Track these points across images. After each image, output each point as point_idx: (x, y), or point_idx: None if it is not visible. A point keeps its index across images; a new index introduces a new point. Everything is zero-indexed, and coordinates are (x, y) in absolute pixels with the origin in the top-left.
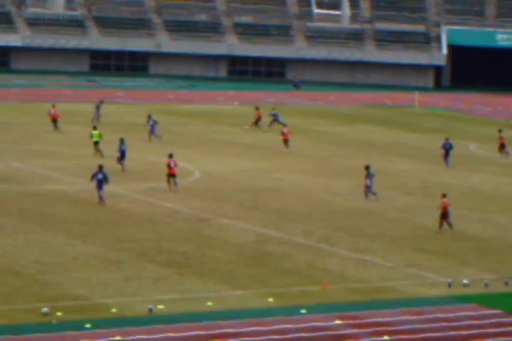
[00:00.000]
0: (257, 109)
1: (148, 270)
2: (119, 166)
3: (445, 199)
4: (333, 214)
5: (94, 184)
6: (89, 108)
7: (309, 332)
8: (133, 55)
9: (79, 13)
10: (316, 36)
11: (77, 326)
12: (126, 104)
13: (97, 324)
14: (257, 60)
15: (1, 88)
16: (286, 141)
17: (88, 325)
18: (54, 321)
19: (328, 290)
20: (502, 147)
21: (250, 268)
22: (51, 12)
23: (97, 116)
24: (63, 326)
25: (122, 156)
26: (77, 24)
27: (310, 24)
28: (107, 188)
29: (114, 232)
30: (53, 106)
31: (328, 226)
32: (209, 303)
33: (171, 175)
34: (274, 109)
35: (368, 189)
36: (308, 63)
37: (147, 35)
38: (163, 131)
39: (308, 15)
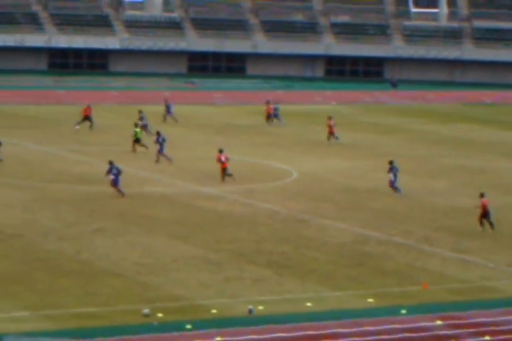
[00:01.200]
0: (268, 103)
1: (247, 271)
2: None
3: (484, 199)
4: (433, 214)
5: (110, 179)
6: (188, 109)
7: (410, 332)
8: (230, 56)
9: (176, 15)
10: (414, 35)
11: (178, 327)
12: (223, 105)
13: (198, 325)
14: (355, 60)
15: (99, 90)
16: (332, 134)
17: (189, 326)
18: (155, 322)
19: (428, 290)
20: None
21: (349, 268)
22: (148, 14)
23: (169, 115)
24: (164, 327)
25: (161, 148)
26: (174, 26)
27: (407, 23)
28: (206, 190)
29: (214, 233)
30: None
31: (427, 225)
32: (308, 304)
33: (223, 169)
34: (274, 103)
35: (391, 184)
36: (406, 62)
37: (244, 36)
38: (261, 133)
39: (405, 13)
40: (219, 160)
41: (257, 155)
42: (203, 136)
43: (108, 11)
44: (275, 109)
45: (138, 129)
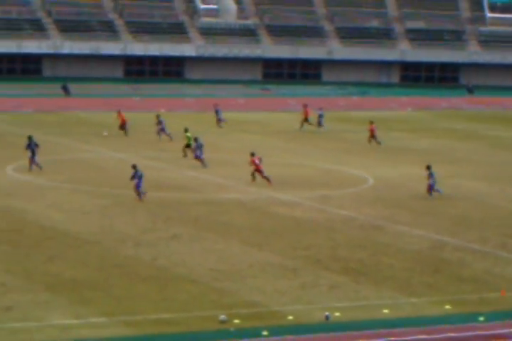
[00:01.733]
0: (305, 106)
1: (323, 277)
2: (277, 173)
3: None
4: (510, 220)
5: (134, 183)
6: (262, 116)
7: (488, 339)
8: (305, 63)
9: (251, 22)
10: (490, 40)
11: (255, 333)
12: (298, 111)
13: (274, 331)
14: (430, 66)
15: (175, 97)
16: (373, 137)
17: (265, 333)
18: (231, 328)
19: (506, 297)
20: None
21: (426, 275)
22: (223, 21)
23: (218, 119)
24: (241, 333)
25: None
26: (249, 33)
27: (483, 28)
28: (281, 196)
29: (290, 240)
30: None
31: (505, 232)
32: (385, 311)
33: (259, 171)
34: (321, 109)
35: (431, 187)
36: (482, 67)
37: (319, 42)
38: (336, 139)
39: (481, 19)
40: (253, 162)
41: (333, 162)
42: (278, 142)
43: (183, 18)
44: (320, 116)
45: (189, 134)
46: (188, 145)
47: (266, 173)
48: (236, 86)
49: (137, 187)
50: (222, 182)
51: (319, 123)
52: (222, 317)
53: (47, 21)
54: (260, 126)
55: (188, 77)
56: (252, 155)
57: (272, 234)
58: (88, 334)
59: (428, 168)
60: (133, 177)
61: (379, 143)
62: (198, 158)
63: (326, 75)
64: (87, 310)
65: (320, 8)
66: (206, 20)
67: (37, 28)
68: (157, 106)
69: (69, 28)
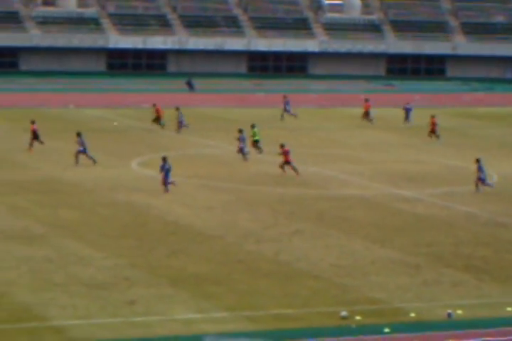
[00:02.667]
0: (366, 101)
1: (446, 274)
2: (400, 169)
3: None
4: None
5: (161, 175)
6: (386, 112)
7: None
8: (429, 58)
9: (375, 17)
10: None
11: (376, 330)
12: (422, 107)
13: (396, 328)
14: None
15: (299, 93)
16: (433, 132)
17: (387, 330)
18: (353, 325)
19: None
20: None
21: None
22: (348, 17)
23: (286, 113)
24: (362, 330)
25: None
26: (373, 28)
27: None
28: (404, 192)
29: (412, 236)
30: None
31: None
32: (509, 309)
33: (288, 162)
34: (408, 103)
35: (481, 181)
36: None
37: (444, 37)
38: (461, 135)
39: None
40: (284, 153)
41: (457, 158)
42: (401, 138)
43: (307, 13)
44: (407, 110)
45: (256, 130)
46: (256, 141)
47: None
48: (359, 81)
49: (165, 180)
50: (344, 177)
51: (406, 118)
52: (344, 313)
53: (172, 17)
54: (383, 122)
55: (312, 73)
56: (282, 146)
57: (394, 230)
58: (210, 329)
59: (478, 161)
60: (162, 170)
61: (437, 137)
62: (241, 151)
63: (451, 71)
64: (210, 304)
65: (445, 3)
66: (330, 15)
67: (162, 23)
68: (281, 102)
69: (194, 23)
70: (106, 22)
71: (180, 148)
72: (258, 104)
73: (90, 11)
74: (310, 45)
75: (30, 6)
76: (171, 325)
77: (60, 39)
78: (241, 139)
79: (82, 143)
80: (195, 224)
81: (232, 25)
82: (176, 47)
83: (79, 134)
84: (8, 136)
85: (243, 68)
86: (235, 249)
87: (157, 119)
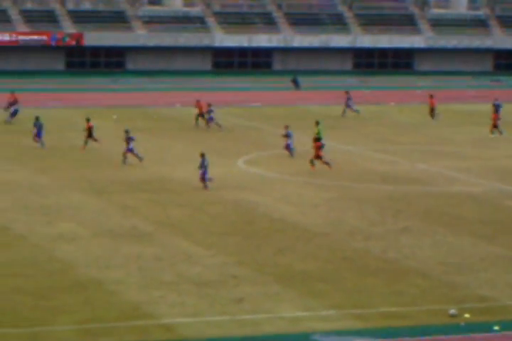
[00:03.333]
0: (431, 97)
1: None
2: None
3: None
4: None
5: (199, 173)
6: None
7: None
8: None
9: (482, 12)
10: None
11: (485, 328)
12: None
13: (506, 326)
14: None
15: (404, 90)
16: (495, 127)
17: (496, 327)
18: (461, 323)
19: None
20: None
21: None
22: (454, 12)
23: (349, 109)
24: (471, 328)
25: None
26: (480, 24)
27: None
28: (509, 188)
29: None
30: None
31: None
32: None
33: (319, 157)
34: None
35: None
36: None
37: None
38: None
39: None
40: (317, 147)
41: None
42: (508, 134)
43: (413, 10)
44: (497, 106)
45: (320, 127)
46: (317, 139)
47: (326, 159)
48: (466, 77)
49: (203, 176)
50: (452, 174)
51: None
52: (452, 311)
53: (277, 15)
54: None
55: (418, 69)
56: (317, 140)
57: (502, 227)
58: (318, 327)
59: None
60: (200, 166)
61: (500, 132)
62: (288, 147)
63: None
64: (317, 302)
65: None
66: (436, 11)
67: (267, 21)
68: (386, 99)
69: (299, 21)
70: (211, 21)
71: None
72: (363, 101)
73: (196, 10)
74: (416, 41)
75: (136, 5)
76: (278, 323)
77: (166, 38)
78: (288, 135)
79: (128, 141)
80: (301, 222)
81: (338, 22)
82: (281, 45)
83: (127, 131)
84: (116, 136)
85: (348, 65)
86: (342, 246)
87: (200, 115)
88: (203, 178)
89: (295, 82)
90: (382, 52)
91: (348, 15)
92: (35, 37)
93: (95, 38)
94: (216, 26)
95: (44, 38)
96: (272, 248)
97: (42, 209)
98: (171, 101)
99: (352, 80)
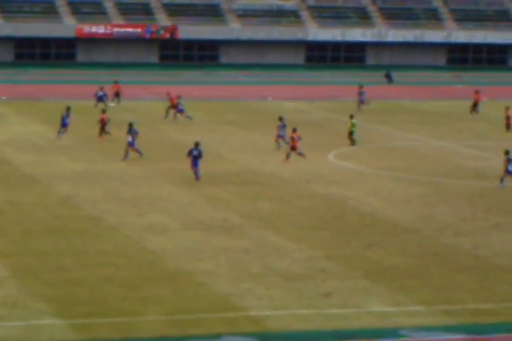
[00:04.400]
0: (477, 92)
1: None
2: None
3: None
4: None
5: (189, 161)
6: None
7: None
8: None
9: None
10: None
11: None
12: None
13: None
14: None
15: (499, 86)
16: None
17: None
18: None
19: None
20: None
21: None
22: None
23: (361, 101)
24: None
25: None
26: None
27: None
28: None
29: None
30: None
31: None
32: None
33: (293, 148)
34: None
35: (508, 174)
36: None
37: None
38: None
39: None
40: (292, 139)
41: None
42: None
43: (509, 5)
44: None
45: (354, 121)
46: (351, 133)
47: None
48: None
49: (193, 165)
50: None
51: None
52: None
53: (372, 9)
54: None
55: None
56: (294, 131)
57: None
58: (406, 322)
59: (507, 153)
60: (188, 154)
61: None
62: (281, 137)
63: None
64: (406, 298)
65: None
66: None
67: (362, 16)
68: (479, 95)
69: (393, 16)
70: (305, 14)
71: (377, 141)
72: (455, 96)
73: (290, 4)
74: (510, 37)
75: None
76: (366, 318)
77: (260, 32)
78: (280, 127)
79: (132, 135)
80: (391, 217)
81: (432, 17)
82: (375, 39)
83: (131, 124)
84: (208, 129)
85: (442, 60)
86: (432, 242)
87: (171, 107)
88: (192, 165)
89: (388, 77)
90: (477, 47)
91: (442, 10)
92: (130, 29)
93: (189, 31)
94: (310, 20)
95: (138, 30)
96: (360, 242)
97: (133, 200)
98: (263, 95)
99: (445, 76)
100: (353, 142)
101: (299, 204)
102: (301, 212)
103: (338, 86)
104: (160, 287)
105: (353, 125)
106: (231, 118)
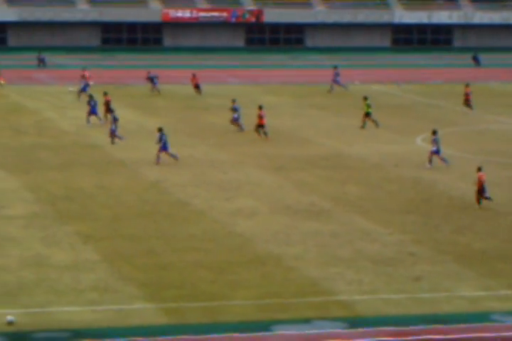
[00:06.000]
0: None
1: None
2: None
3: (481, 173)
4: None
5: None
6: None
7: None
8: None
9: None
10: None
11: None
12: None
13: None
14: None
15: None
16: (467, 102)
17: None
18: None
19: None
20: None
21: None
22: None
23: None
24: None
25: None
26: None
27: None
28: None
29: None
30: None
31: None
32: None
33: (260, 126)
34: None
35: (435, 154)
36: None
37: None
38: None
39: None
40: (259, 116)
41: None
42: None
43: None
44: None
45: (369, 102)
46: (367, 114)
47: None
48: None
49: (162, 149)
50: None
51: None
52: None
53: None
54: None
55: None
56: (260, 108)
57: None
58: (497, 307)
59: (434, 132)
60: (159, 141)
61: (470, 107)
62: (235, 121)
63: None
64: (496, 282)
65: None
66: None
67: None
68: None
69: None
70: None
71: (467, 124)
72: None
73: None
74: None
75: None
76: (457, 302)
77: (346, 15)
78: (234, 109)
79: (113, 123)
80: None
81: None
82: (462, 21)
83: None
84: (295, 113)
85: None
86: None
87: (196, 87)
88: (162, 150)
89: (476, 59)
90: None
91: None
92: (216, 13)
93: (275, 14)
94: (396, 3)
95: (224, 14)
96: (450, 226)
97: (221, 184)
98: (349, 79)
99: None
100: (376, 123)
101: (387, 188)
102: (390, 196)
103: (425, 69)
104: (248, 271)
105: (368, 106)
106: (318, 102)
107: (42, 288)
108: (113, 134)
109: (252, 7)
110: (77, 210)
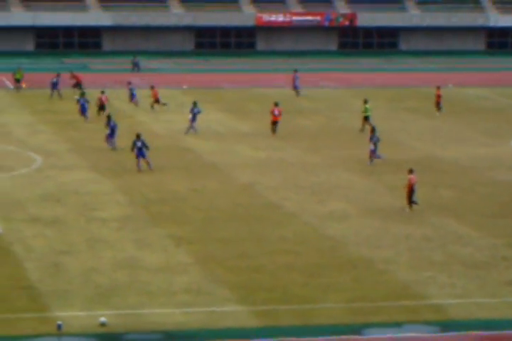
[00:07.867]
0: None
1: None
2: None
3: (411, 176)
4: None
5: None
6: None
7: None
8: None
9: None
10: None
11: None
12: None
13: None
14: None
15: None
16: (437, 104)
17: None
18: None
19: None
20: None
21: None
22: None
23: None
24: None
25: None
26: None
27: None
28: None
29: None
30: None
31: None
32: None
33: (275, 122)
34: None
35: (372, 153)
36: None
37: None
38: None
39: None
40: (272, 112)
41: None
42: None
43: None
44: None
45: (368, 106)
46: (366, 118)
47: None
48: None
49: (139, 156)
50: None
51: None
52: None
53: None
54: None
55: None
56: (276, 105)
57: None
58: None
59: (373, 130)
60: (133, 147)
61: (440, 108)
62: (191, 121)
63: None
64: None
65: None
66: None
67: None
68: None
69: None
70: (486, 0)
71: None
72: None
73: None
74: None
75: None
76: None
77: (440, 18)
78: (191, 111)
79: (109, 127)
80: None
81: None
82: None
83: (108, 117)
84: (388, 116)
85: None
86: None
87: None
88: (139, 156)
89: None
90: None
91: None
92: (309, 17)
93: (368, 18)
94: (491, 6)
95: (318, 18)
96: None
97: (312, 187)
98: (443, 82)
99: None
100: (363, 128)
101: (480, 191)
102: (483, 199)
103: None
104: (340, 274)
105: (366, 110)
106: (411, 105)
107: (134, 290)
108: (108, 139)
109: (345, 11)
110: (170, 213)
